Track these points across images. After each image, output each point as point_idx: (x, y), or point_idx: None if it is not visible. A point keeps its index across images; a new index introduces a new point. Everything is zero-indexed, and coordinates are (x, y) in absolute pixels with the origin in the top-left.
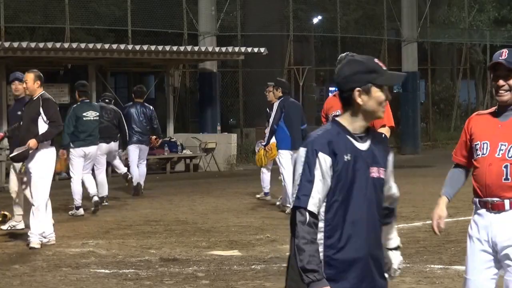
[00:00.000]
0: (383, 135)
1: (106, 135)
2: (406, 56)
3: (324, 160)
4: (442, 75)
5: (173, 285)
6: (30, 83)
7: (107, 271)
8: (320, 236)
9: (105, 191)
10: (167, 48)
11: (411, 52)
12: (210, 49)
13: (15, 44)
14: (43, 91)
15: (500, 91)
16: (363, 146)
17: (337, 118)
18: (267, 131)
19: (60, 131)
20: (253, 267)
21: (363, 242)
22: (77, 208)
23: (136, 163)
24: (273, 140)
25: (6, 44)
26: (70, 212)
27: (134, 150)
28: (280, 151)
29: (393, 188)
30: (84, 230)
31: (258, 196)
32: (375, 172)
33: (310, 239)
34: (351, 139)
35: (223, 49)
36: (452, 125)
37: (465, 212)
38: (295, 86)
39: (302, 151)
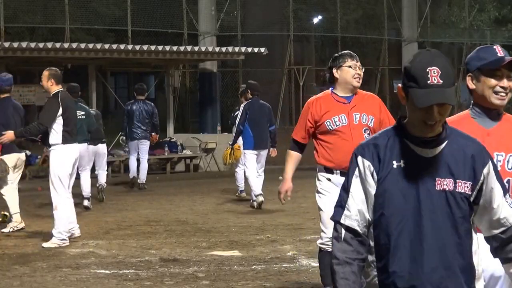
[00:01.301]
0: (475, 142)
1: (93, 136)
2: (407, 56)
3: (363, 166)
4: None
5: (173, 286)
6: (44, 82)
7: (107, 271)
8: (372, 258)
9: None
10: (167, 48)
11: (412, 52)
12: (210, 49)
13: (15, 44)
14: (58, 89)
15: (502, 94)
16: (428, 152)
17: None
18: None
19: (41, 129)
20: (253, 267)
21: (421, 268)
22: None
23: (135, 157)
24: (240, 141)
25: (6, 44)
26: None
27: (133, 145)
28: (244, 151)
29: (503, 211)
30: (84, 230)
31: (236, 195)
32: (446, 184)
33: (344, 259)
34: (410, 143)
35: (223, 49)
36: None
37: None
38: (295, 86)
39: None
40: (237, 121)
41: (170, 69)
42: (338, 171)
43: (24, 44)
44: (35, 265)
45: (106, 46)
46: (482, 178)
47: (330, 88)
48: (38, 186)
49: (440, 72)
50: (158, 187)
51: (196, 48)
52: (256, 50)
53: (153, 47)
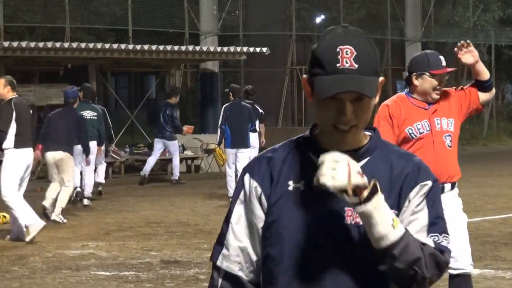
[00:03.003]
0: (410, 160)
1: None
2: (410, 56)
3: (250, 187)
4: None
5: None
6: (0, 89)
7: (107, 273)
8: None
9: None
10: (168, 48)
11: (415, 52)
12: (211, 49)
13: (15, 44)
14: (13, 96)
15: None
16: None
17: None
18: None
19: (1, 135)
20: None
21: None
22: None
23: (156, 158)
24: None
25: (6, 44)
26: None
27: (156, 144)
28: (227, 150)
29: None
30: (84, 231)
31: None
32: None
33: None
34: (316, 158)
35: (225, 49)
36: None
37: (469, 214)
38: (298, 86)
39: None
40: (219, 122)
41: (171, 69)
42: None
43: (24, 44)
44: (35, 267)
45: (107, 45)
46: (406, 203)
47: (405, 91)
48: (37, 188)
49: (355, 53)
50: (159, 188)
51: (197, 48)
52: (258, 50)
53: (154, 47)
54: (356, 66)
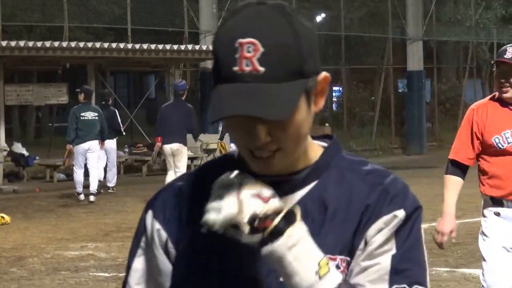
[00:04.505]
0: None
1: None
2: (411, 54)
3: (152, 230)
4: (448, 74)
5: None
6: None
7: (106, 274)
8: None
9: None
10: (168, 47)
11: (416, 51)
12: (211, 47)
13: (13, 43)
14: None
15: None
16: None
17: None
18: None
19: None
20: None
21: None
22: (78, 194)
23: None
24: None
25: (4, 43)
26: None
27: None
28: (231, 144)
29: None
30: (83, 232)
31: None
32: None
33: None
34: None
35: None
36: (458, 125)
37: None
38: None
39: None
40: None
41: (171, 68)
42: (510, 203)
43: (22, 43)
44: (33, 268)
45: (106, 45)
46: (361, 245)
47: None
48: (36, 188)
49: (261, 50)
50: (158, 188)
51: (197, 47)
52: None
53: (153, 46)
54: (262, 70)
